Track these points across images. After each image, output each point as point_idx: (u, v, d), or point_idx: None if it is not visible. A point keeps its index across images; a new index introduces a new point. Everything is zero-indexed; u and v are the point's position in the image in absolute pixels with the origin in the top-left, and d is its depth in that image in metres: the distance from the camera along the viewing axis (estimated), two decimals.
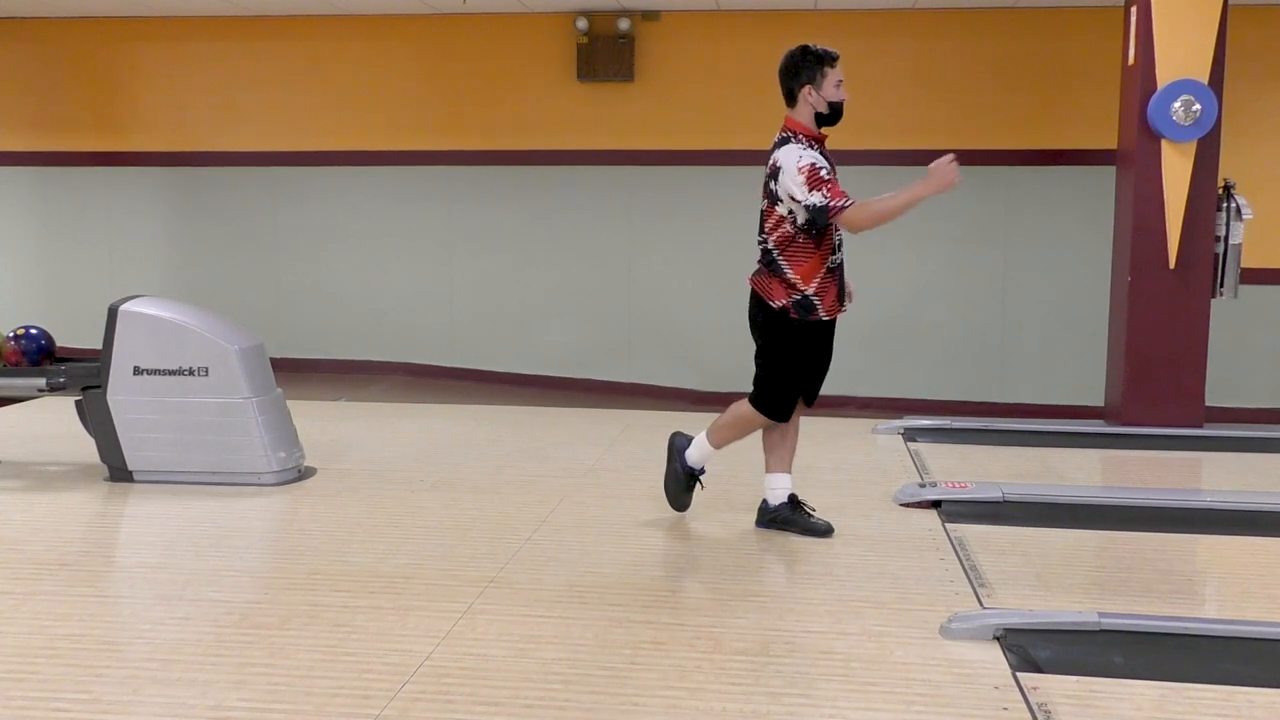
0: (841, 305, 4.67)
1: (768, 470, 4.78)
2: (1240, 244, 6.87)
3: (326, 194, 9.90)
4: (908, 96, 9.05)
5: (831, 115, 4.52)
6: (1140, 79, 6.66)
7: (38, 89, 10.18)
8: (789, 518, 4.72)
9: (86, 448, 5.59)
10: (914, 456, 6.14)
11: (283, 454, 5.40)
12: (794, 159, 4.41)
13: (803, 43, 4.58)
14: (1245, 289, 7.11)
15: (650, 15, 9.28)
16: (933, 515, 4.97)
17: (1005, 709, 3.10)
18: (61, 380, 5.42)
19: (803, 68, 4.49)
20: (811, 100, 4.49)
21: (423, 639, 3.54)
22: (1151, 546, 4.65)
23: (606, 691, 3.20)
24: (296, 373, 9.18)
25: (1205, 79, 6.56)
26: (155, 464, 5.36)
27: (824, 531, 4.68)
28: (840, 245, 4.62)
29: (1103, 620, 3.59)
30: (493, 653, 3.45)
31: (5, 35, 10.13)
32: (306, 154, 9.87)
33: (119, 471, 5.41)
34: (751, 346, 4.71)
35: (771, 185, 4.50)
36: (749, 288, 4.65)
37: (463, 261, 9.81)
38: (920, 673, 3.33)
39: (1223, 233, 6.84)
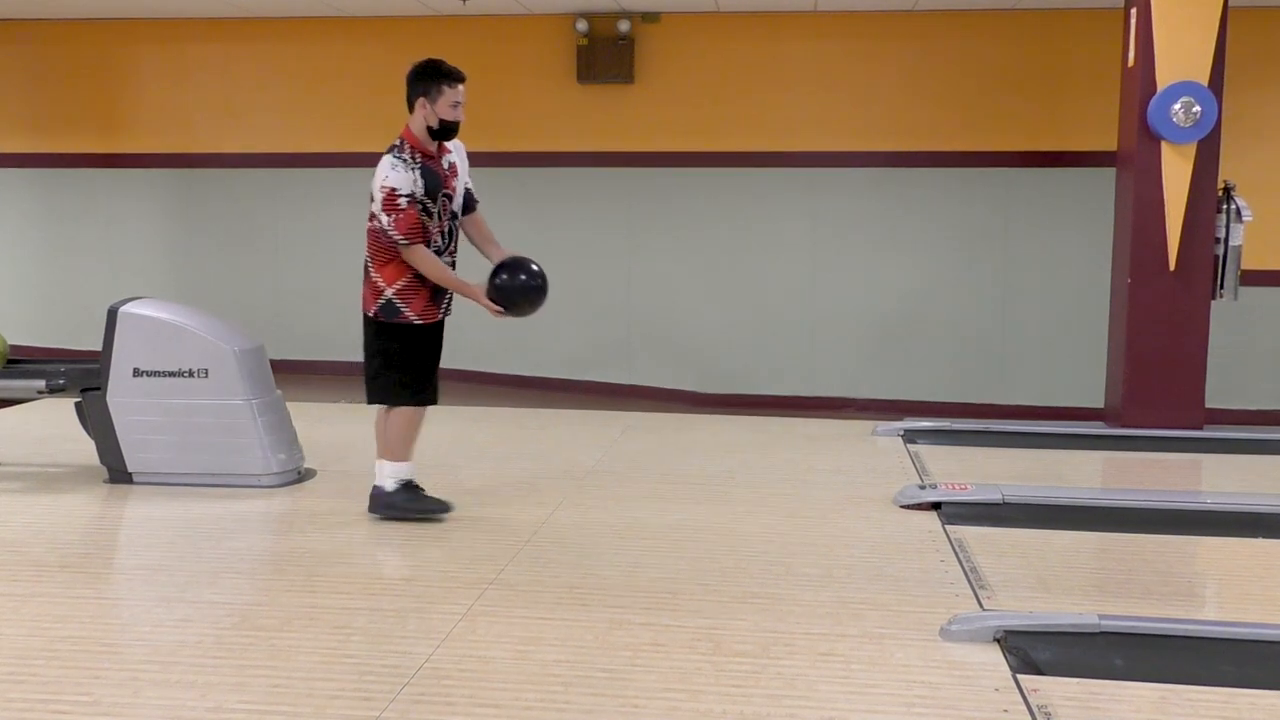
0: (439, 310, 4.82)
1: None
2: (1240, 246, 6.87)
3: (327, 196, 9.88)
4: (908, 98, 9.03)
5: (442, 131, 4.70)
6: (1140, 81, 6.66)
7: (38, 91, 10.17)
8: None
9: (86, 449, 5.59)
10: (914, 458, 6.14)
11: (283, 456, 5.40)
12: (382, 173, 4.61)
13: (436, 58, 4.71)
14: (1245, 291, 7.10)
15: (650, 17, 9.27)
16: (933, 517, 4.96)
17: (1005, 711, 3.10)
18: (61, 382, 5.42)
19: (420, 80, 4.66)
20: (424, 113, 4.66)
21: (423, 641, 3.54)
22: (1152, 548, 4.65)
23: (606, 693, 3.19)
24: (296, 374, 9.17)
25: (1205, 81, 6.56)
26: (155, 465, 5.36)
27: (443, 509, 4.77)
28: (445, 250, 4.82)
29: (1103, 622, 3.59)
30: (493, 654, 3.45)
31: (5, 37, 10.13)
32: (307, 156, 9.85)
33: (118, 473, 5.41)
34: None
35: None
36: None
37: (462, 263, 9.75)
38: (920, 675, 3.33)
39: (1223, 234, 6.84)
